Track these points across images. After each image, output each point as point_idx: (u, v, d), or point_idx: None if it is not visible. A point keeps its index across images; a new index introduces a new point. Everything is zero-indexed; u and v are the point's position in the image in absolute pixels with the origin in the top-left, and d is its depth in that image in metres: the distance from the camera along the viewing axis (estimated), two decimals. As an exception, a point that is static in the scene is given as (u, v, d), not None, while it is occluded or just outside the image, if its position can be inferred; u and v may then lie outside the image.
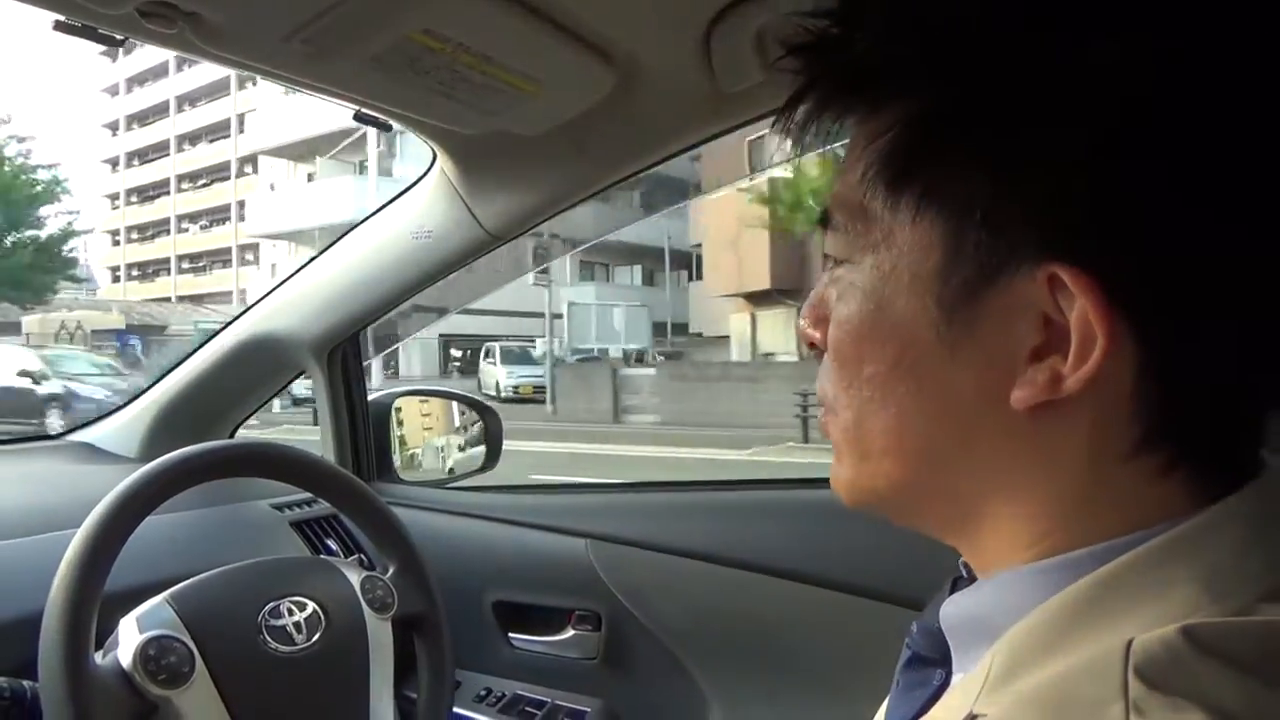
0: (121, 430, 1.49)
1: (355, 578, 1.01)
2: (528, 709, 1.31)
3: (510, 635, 1.37)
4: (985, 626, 0.42)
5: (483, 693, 1.34)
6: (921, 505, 0.46)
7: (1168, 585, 0.36)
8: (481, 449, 1.63)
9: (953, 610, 0.45)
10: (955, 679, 0.46)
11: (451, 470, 1.60)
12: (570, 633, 1.33)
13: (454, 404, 1.70)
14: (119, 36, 0.76)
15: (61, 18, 0.72)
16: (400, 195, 1.20)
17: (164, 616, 0.86)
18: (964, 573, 0.50)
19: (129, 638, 0.84)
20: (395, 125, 1.02)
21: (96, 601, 0.81)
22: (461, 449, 1.65)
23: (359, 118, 1.00)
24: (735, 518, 1.25)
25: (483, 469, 1.61)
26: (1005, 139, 0.37)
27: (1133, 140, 0.36)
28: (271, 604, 0.93)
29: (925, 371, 0.41)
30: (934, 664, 0.49)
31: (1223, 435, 0.39)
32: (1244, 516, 0.38)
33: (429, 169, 1.14)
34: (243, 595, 0.93)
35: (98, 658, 0.82)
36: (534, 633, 1.35)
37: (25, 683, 0.84)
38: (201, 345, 1.43)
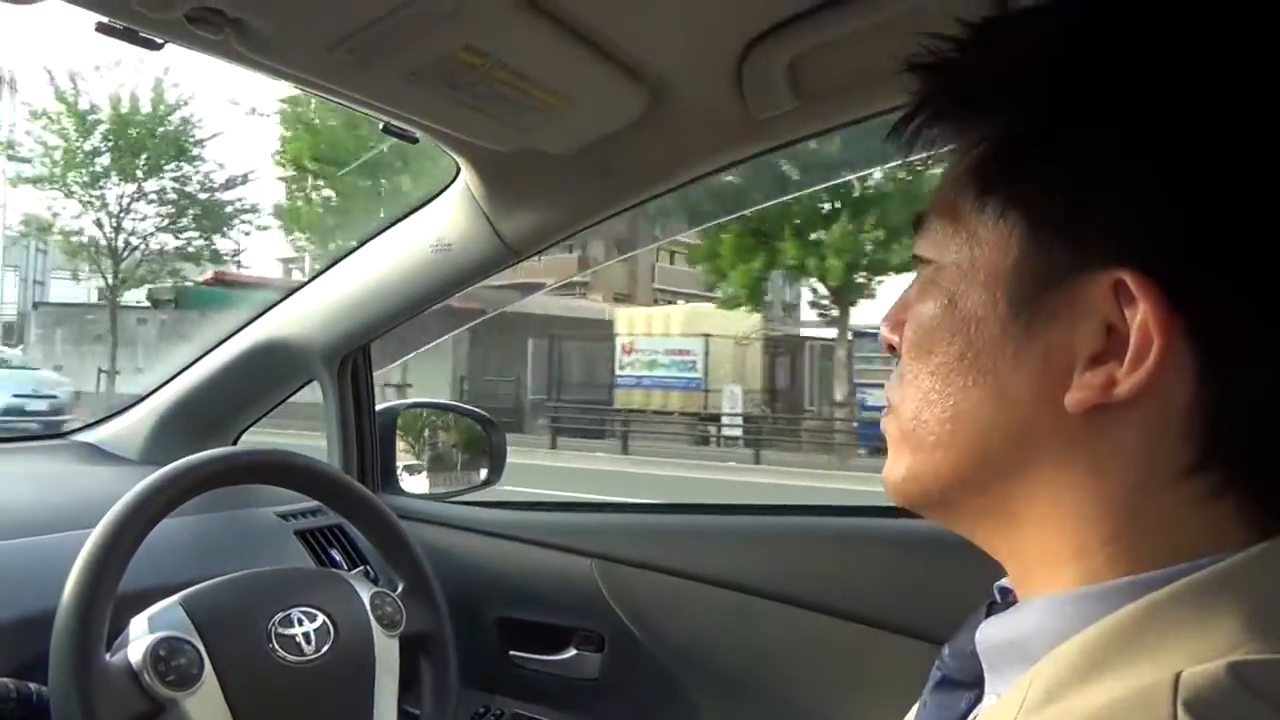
0: (125, 432, 1.48)
1: (365, 593, 1.01)
2: None
3: (511, 653, 1.36)
4: (1022, 650, 0.42)
5: (481, 710, 1.33)
6: (968, 504, 0.47)
7: (1211, 620, 0.37)
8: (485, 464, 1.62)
9: (990, 633, 0.46)
10: (987, 701, 0.46)
11: (459, 484, 1.59)
12: (572, 652, 1.32)
13: (458, 418, 1.70)
14: (159, 40, 0.76)
15: (104, 19, 0.73)
16: (420, 207, 1.20)
17: (176, 618, 0.86)
18: (998, 598, 0.51)
19: (140, 637, 0.83)
20: (422, 138, 1.02)
21: (110, 601, 0.81)
22: (465, 464, 1.64)
23: (388, 129, 1.00)
24: (744, 543, 1.25)
25: (485, 484, 1.61)
26: (1086, 155, 0.40)
27: (1205, 161, 0.38)
28: (282, 613, 0.92)
29: (986, 366, 0.43)
30: (964, 687, 0.50)
31: (1277, 461, 0.40)
32: None
33: (451, 182, 1.15)
34: (254, 602, 0.93)
35: (106, 656, 0.81)
36: (535, 651, 1.34)
37: (32, 685, 0.83)
38: (210, 350, 1.43)
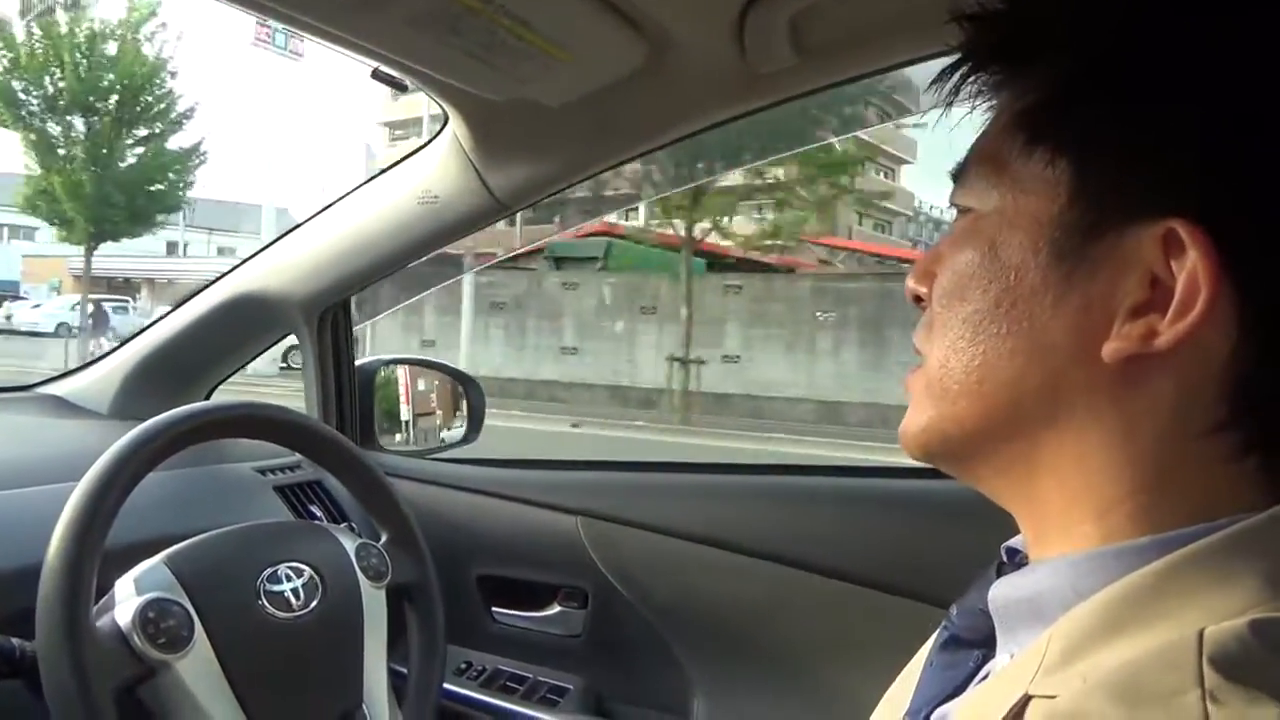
0: (93, 385, 1.44)
1: (350, 544, 1.00)
2: (509, 684, 1.30)
3: (494, 610, 1.36)
4: (1037, 609, 0.43)
5: (463, 666, 1.33)
6: (989, 457, 0.46)
7: (1232, 579, 0.37)
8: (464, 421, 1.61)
9: (1003, 592, 0.46)
10: (1000, 660, 0.47)
11: (441, 441, 1.58)
12: (556, 609, 1.32)
13: (437, 374, 1.68)
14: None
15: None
16: (406, 158, 1.17)
17: (162, 578, 0.84)
18: (1006, 558, 0.51)
19: (127, 599, 0.81)
20: (412, 85, 1.00)
21: (98, 558, 0.79)
22: (444, 420, 1.63)
23: (376, 76, 0.97)
24: (730, 501, 1.25)
25: (464, 441, 1.60)
26: (1142, 102, 0.40)
27: (1264, 112, 0.38)
28: (269, 569, 0.91)
29: (1022, 314, 0.43)
30: (972, 646, 0.50)
31: None
32: None
33: (439, 133, 1.12)
34: (240, 559, 0.91)
35: (95, 619, 0.80)
36: (518, 608, 1.35)
37: (14, 640, 0.81)
38: (184, 301, 1.39)
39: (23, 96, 14.65)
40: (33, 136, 14.85)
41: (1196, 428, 0.40)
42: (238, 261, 1.34)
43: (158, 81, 15.15)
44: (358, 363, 1.46)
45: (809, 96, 0.96)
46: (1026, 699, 0.38)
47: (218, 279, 1.36)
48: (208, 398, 1.50)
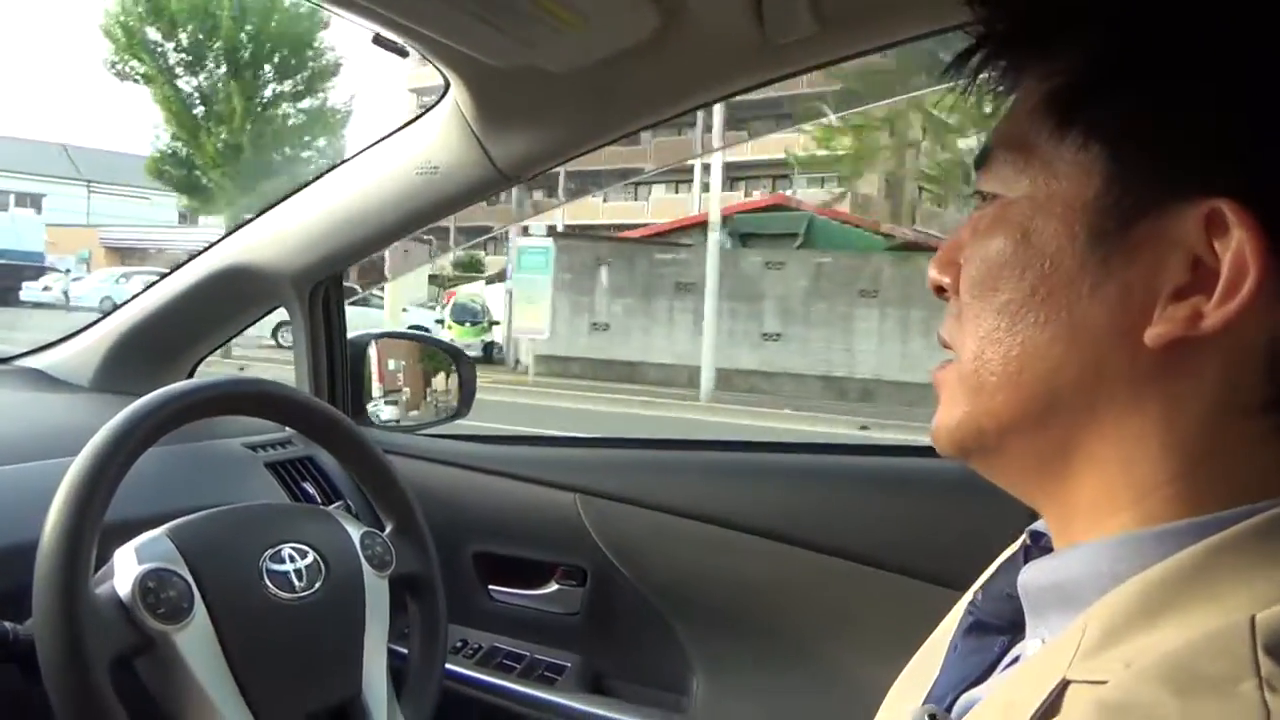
0: (75, 358, 1.40)
1: (355, 532, 0.98)
2: (505, 661, 1.29)
3: (490, 588, 1.34)
4: (1070, 594, 0.42)
5: (459, 644, 1.31)
6: (1024, 447, 0.45)
7: (1275, 562, 0.37)
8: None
9: (1033, 576, 0.46)
10: (1030, 645, 0.46)
11: (435, 412, 1.56)
12: (554, 587, 1.31)
13: (429, 349, 1.65)
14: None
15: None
16: (404, 126, 1.14)
17: (164, 549, 0.82)
18: (1030, 541, 0.51)
19: (127, 568, 0.79)
20: (414, 50, 0.96)
21: (97, 531, 0.77)
22: (435, 395, 1.60)
23: (378, 41, 0.94)
24: (730, 478, 1.24)
25: (455, 416, 1.58)
26: (1180, 80, 0.39)
27: None
28: (272, 549, 0.89)
29: (1060, 302, 0.42)
30: (998, 631, 0.49)
31: None
32: None
33: (438, 101, 1.08)
34: (244, 536, 0.89)
35: (94, 589, 0.77)
36: (515, 586, 1.33)
37: (7, 624, 0.78)
38: (170, 272, 1.35)
39: (163, 47, 12.97)
40: (169, 93, 13.28)
41: (1239, 409, 0.39)
42: (225, 232, 1.30)
43: (320, 35, 13.72)
44: (348, 337, 1.43)
45: (824, 68, 0.94)
46: (1065, 684, 0.38)
47: (205, 250, 1.33)
48: (193, 372, 1.46)
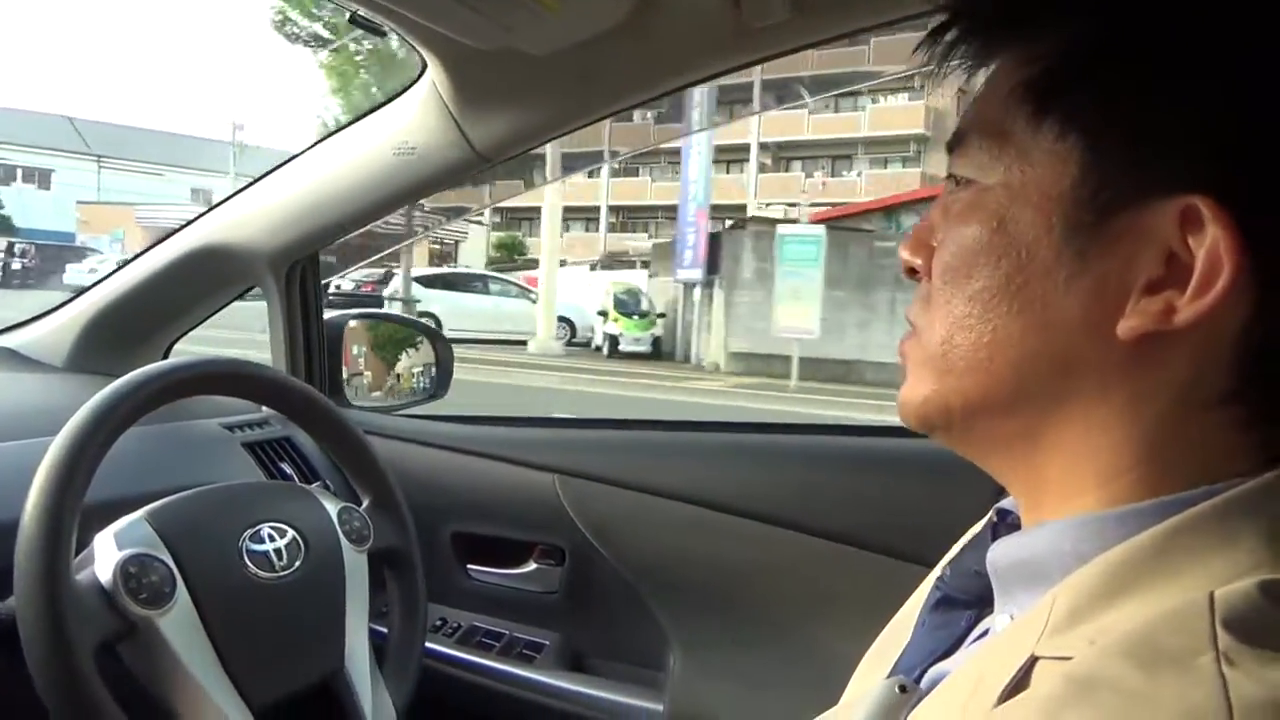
0: (48, 338, 1.38)
1: (333, 509, 0.98)
2: (484, 640, 1.30)
3: (469, 567, 1.35)
4: (1037, 571, 0.43)
5: (439, 623, 1.32)
6: (991, 429, 0.46)
7: (1234, 539, 0.38)
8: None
9: (1002, 553, 0.46)
10: (999, 620, 0.47)
11: (412, 393, 1.56)
12: (532, 566, 1.32)
13: (406, 329, 1.65)
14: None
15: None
16: (380, 106, 1.13)
17: (143, 534, 0.82)
18: (996, 518, 0.52)
19: (107, 554, 0.79)
20: (391, 31, 0.96)
21: (77, 514, 0.77)
22: (413, 375, 1.60)
23: (354, 20, 0.94)
24: (708, 458, 1.26)
25: (433, 396, 1.58)
26: (1160, 72, 0.39)
27: (1275, 82, 0.37)
28: (252, 529, 0.89)
29: (1035, 293, 0.42)
30: (964, 606, 0.51)
31: None
32: None
33: (415, 81, 1.08)
34: (223, 517, 0.89)
35: (75, 574, 0.77)
36: (494, 565, 1.34)
37: None
38: (143, 252, 1.34)
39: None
40: (344, 59, 12.08)
41: (1205, 400, 0.40)
42: (201, 211, 1.29)
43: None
44: (325, 317, 1.42)
45: (801, 51, 0.94)
46: (1033, 660, 0.39)
47: (179, 229, 1.32)
48: (168, 352, 1.45)
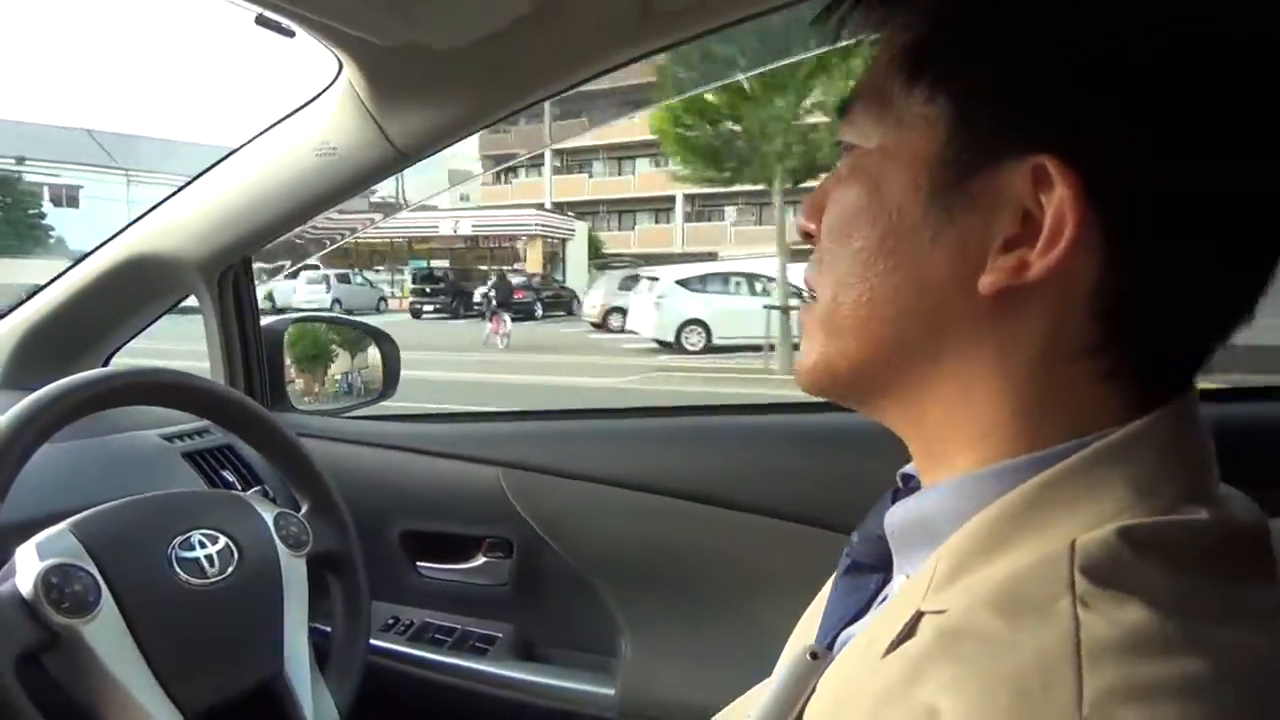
0: None
1: (268, 514, 0.98)
2: (437, 636, 1.31)
3: (418, 564, 1.35)
4: (928, 531, 0.45)
5: (390, 621, 1.33)
6: (877, 388, 0.48)
7: (1101, 488, 0.40)
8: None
9: (897, 516, 0.48)
10: (897, 581, 0.49)
11: (359, 394, 1.56)
12: (481, 560, 1.32)
13: (349, 330, 1.65)
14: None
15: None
16: (300, 108, 1.13)
17: (66, 544, 0.82)
18: (900, 484, 0.53)
19: (28, 565, 0.79)
20: (300, 32, 0.95)
21: None
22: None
23: (261, 21, 0.93)
24: (648, 444, 1.27)
25: (380, 397, 1.58)
26: (1016, 41, 0.40)
27: (1126, 56, 0.38)
28: (181, 536, 0.89)
29: (905, 252, 0.44)
30: (872, 570, 0.52)
31: (1169, 351, 0.43)
32: (1166, 427, 0.41)
33: (333, 81, 1.07)
34: (150, 526, 0.89)
35: None
36: (443, 561, 1.35)
37: None
38: (73, 265, 1.33)
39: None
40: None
41: (1069, 353, 0.42)
42: (128, 222, 1.28)
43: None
44: (264, 322, 1.42)
45: (708, 35, 0.95)
46: (919, 616, 0.40)
47: (108, 240, 1.30)
48: (106, 364, 1.44)
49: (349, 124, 1.08)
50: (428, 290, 22.29)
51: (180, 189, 1.25)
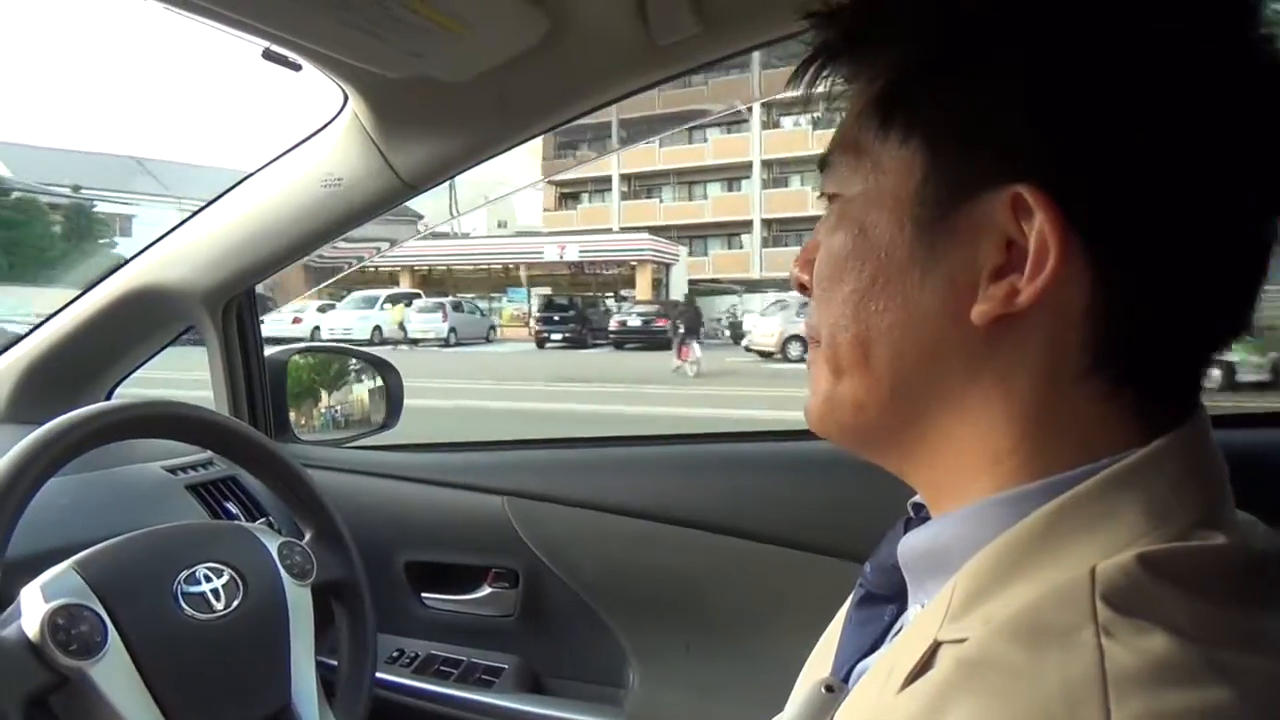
0: None
1: (272, 544, 0.98)
2: (443, 668, 1.30)
3: (423, 595, 1.34)
4: (942, 560, 0.45)
5: (395, 654, 1.31)
6: (884, 429, 0.48)
7: (1116, 514, 0.40)
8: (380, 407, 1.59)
9: (911, 545, 0.48)
10: (912, 611, 0.49)
11: (341, 428, 1.56)
12: (486, 591, 1.31)
13: (352, 361, 1.65)
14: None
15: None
16: (306, 140, 1.13)
17: (71, 584, 0.81)
18: (912, 513, 0.53)
19: (33, 607, 0.78)
20: (306, 65, 0.96)
21: None
22: (361, 407, 1.60)
23: (268, 55, 0.94)
24: (654, 472, 1.26)
25: (383, 427, 1.57)
26: (981, 78, 0.42)
27: (1093, 83, 0.39)
28: (186, 570, 0.89)
29: (896, 290, 0.45)
30: (886, 600, 0.52)
31: (1167, 366, 0.43)
32: (1180, 451, 0.41)
33: (339, 113, 1.08)
34: (155, 562, 0.88)
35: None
36: (448, 592, 1.34)
37: None
38: (77, 298, 1.33)
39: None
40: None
41: (1069, 375, 0.42)
42: (133, 254, 1.29)
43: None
44: (267, 353, 1.42)
45: (711, 66, 0.96)
46: (936, 645, 0.40)
47: (111, 272, 1.31)
48: (108, 397, 1.44)
49: (354, 155, 1.09)
50: (555, 318, 21.46)
51: (184, 220, 1.26)
